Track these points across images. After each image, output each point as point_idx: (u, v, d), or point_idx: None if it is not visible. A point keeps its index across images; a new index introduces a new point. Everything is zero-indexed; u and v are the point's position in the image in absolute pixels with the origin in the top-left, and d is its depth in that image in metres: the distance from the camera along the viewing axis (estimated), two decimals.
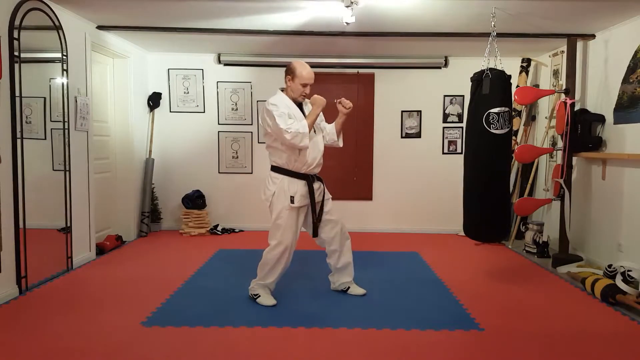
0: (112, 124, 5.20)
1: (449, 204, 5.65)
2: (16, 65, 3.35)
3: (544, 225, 4.89)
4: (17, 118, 3.36)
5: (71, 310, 3.14)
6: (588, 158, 4.48)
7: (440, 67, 5.79)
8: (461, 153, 5.69)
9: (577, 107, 4.55)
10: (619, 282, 3.45)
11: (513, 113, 5.15)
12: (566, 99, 4.34)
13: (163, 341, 2.71)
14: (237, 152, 5.94)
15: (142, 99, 5.60)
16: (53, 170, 3.94)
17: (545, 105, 5.32)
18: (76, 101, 4.17)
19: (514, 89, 4.12)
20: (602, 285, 3.45)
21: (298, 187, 3.22)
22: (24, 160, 3.43)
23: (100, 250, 4.63)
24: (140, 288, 3.63)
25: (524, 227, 5.16)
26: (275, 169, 3.29)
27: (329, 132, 3.45)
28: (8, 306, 3.21)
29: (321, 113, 3.43)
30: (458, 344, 2.73)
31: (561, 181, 4.41)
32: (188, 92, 5.86)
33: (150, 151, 5.69)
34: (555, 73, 5.11)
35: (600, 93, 4.40)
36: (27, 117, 3.57)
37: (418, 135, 5.93)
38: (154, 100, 5.71)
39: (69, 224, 4.03)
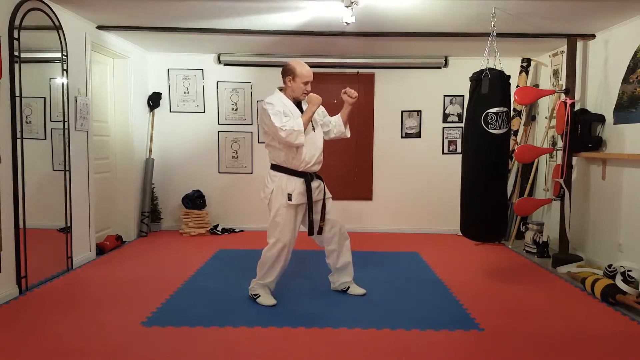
0: (112, 124, 5.20)
1: (449, 204, 5.64)
2: (16, 65, 3.35)
3: (544, 225, 4.89)
4: (17, 118, 3.36)
5: (71, 310, 3.14)
6: (588, 158, 4.48)
7: (440, 67, 5.79)
8: (461, 153, 5.69)
9: (577, 107, 4.55)
10: (619, 282, 3.45)
11: (513, 113, 5.16)
12: (566, 99, 4.34)
13: (163, 341, 2.71)
14: (237, 152, 5.94)
15: (142, 99, 5.60)
16: (53, 170, 3.94)
17: (545, 105, 5.32)
18: (76, 101, 4.17)
19: (513, 89, 4.13)
20: (602, 285, 3.45)
21: (296, 185, 3.23)
22: (24, 160, 3.43)
23: (100, 250, 4.63)
24: (140, 288, 3.63)
25: (524, 227, 5.16)
26: (274, 167, 3.31)
27: (336, 123, 3.46)
28: (8, 306, 3.21)
29: (324, 109, 3.45)
30: (458, 344, 2.73)
31: (561, 181, 4.41)
32: (188, 92, 5.86)
33: (150, 151, 5.69)
34: (555, 73, 5.11)
35: (600, 93, 4.40)
36: (27, 117, 3.57)
37: (418, 135, 5.93)
38: (154, 100, 5.71)
39: (69, 224, 4.03)
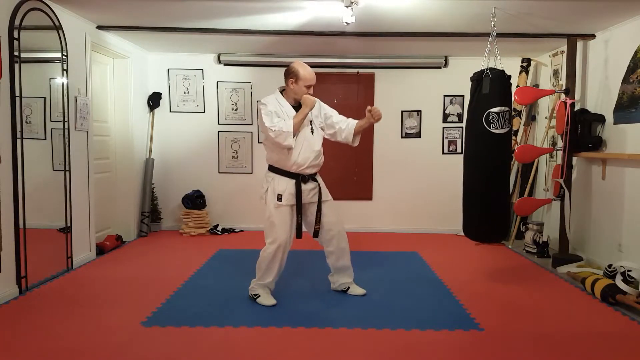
0: (112, 124, 5.20)
1: (449, 204, 5.65)
2: (16, 65, 3.35)
3: (544, 225, 4.89)
4: (17, 118, 3.36)
5: (71, 310, 3.14)
6: (588, 158, 4.48)
7: (440, 67, 5.79)
8: (461, 153, 5.69)
9: (577, 107, 4.55)
10: (619, 282, 3.45)
11: (513, 113, 5.15)
12: (566, 99, 4.34)
13: (163, 341, 2.71)
14: (237, 152, 5.94)
15: (142, 99, 5.60)
16: (53, 170, 3.94)
17: (545, 105, 5.31)
18: (76, 101, 4.17)
19: (514, 89, 4.13)
20: (602, 285, 3.44)
21: (287, 186, 3.23)
22: (24, 160, 3.43)
23: (100, 250, 4.63)
24: (140, 288, 3.63)
25: (524, 227, 5.15)
26: (270, 167, 3.33)
27: (345, 128, 3.35)
28: (8, 306, 3.21)
29: (333, 111, 3.41)
30: (458, 344, 2.72)
31: (561, 181, 4.41)
32: (188, 92, 5.86)
33: (150, 151, 5.69)
34: (555, 73, 5.11)
35: (600, 93, 4.40)
36: (27, 117, 3.57)
37: (418, 135, 5.93)
38: (154, 100, 5.71)
39: (69, 224, 4.03)
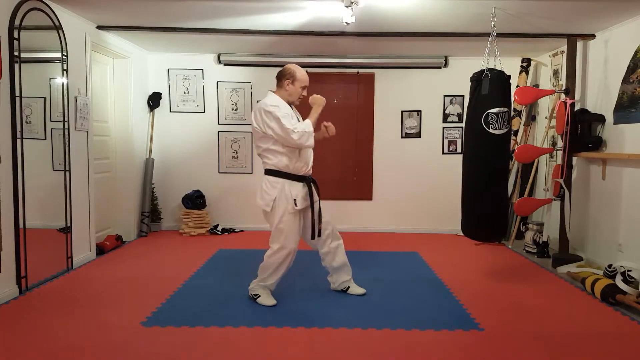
0: (112, 124, 5.20)
1: (449, 204, 5.65)
2: (16, 65, 3.35)
3: (544, 225, 4.89)
4: (17, 118, 3.36)
5: (71, 310, 3.14)
6: (588, 158, 4.48)
7: (440, 67, 5.79)
8: (461, 153, 5.69)
9: (577, 107, 4.55)
10: (619, 282, 3.45)
11: (513, 113, 5.15)
12: (566, 99, 4.35)
13: (163, 341, 2.71)
14: (237, 152, 5.94)
15: (142, 99, 5.60)
16: (53, 170, 3.94)
17: (545, 105, 5.32)
18: (76, 101, 4.17)
19: (514, 89, 4.13)
20: (602, 285, 3.45)
21: (298, 190, 3.22)
22: (24, 160, 3.43)
23: (100, 250, 4.63)
24: (140, 288, 3.63)
25: (524, 227, 5.16)
26: (272, 172, 3.21)
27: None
28: (8, 306, 3.21)
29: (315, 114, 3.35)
30: (458, 344, 2.72)
31: (561, 181, 4.41)
32: (188, 92, 5.86)
33: (150, 151, 5.69)
34: (555, 73, 5.11)
35: (600, 93, 4.40)
36: (27, 117, 3.57)
37: (418, 135, 5.93)
38: (154, 100, 5.71)
39: (69, 224, 4.03)
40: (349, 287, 3.54)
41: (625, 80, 4.00)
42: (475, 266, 4.38)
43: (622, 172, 4.04)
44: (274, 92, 3.29)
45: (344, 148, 5.80)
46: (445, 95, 5.86)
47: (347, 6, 3.57)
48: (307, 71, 3.35)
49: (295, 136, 3.04)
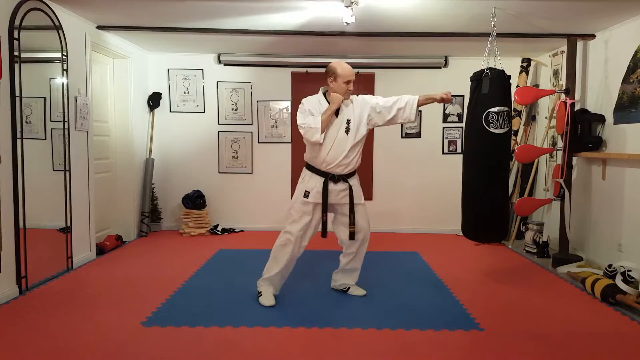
0: (112, 124, 5.20)
1: (449, 204, 5.65)
2: (16, 65, 3.35)
3: (544, 225, 4.88)
4: (17, 118, 3.36)
5: (71, 310, 3.14)
6: (588, 158, 4.48)
7: (440, 67, 5.79)
8: (461, 153, 5.69)
9: (577, 107, 4.55)
10: (619, 282, 3.45)
11: (513, 113, 5.15)
12: (566, 99, 4.34)
13: (163, 341, 2.71)
14: (237, 152, 5.94)
15: (142, 99, 5.60)
16: (53, 170, 3.94)
17: (545, 105, 5.31)
18: (76, 101, 4.17)
19: (513, 89, 4.13)
20: (602, 285, 3.45)
21: (316, 184, 3.25)
22: (24, 160, 3.43)
23: (100, 250, 4.63)
24: (140, 288, 3.63)
25: (524, 227, 5.16)
26: (306, 164, 3.38)
27: (406, 107, 3.29)
28: (8, 306, 3.21)
29: (379, 98, 3.35)
30: (458, 344, 2.72)
31: (561, 181, 4.41)
32: (188, 92, 5.86)
33: (150, 151, 5.69)
34: (555, 73, 5.11)
35: (600, 93, 4.40)
36: (27, 117, 3.57)
37: (418, 135, 5.93)
38: (154, 100, 5.71)
39: (69, 224, 4.03)
40: (349, 287, 3.54)
41: (625, 80, 4.00)
42: (475, 266, 4.38)
43: (622, 172, 4.04)
44: (324, 91, 3.33)
45: None
46: None
47: (347, 6, 3.57)
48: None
49: (302, 131, 3.20)
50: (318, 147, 3.22)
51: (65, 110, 4.00)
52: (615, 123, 4.13)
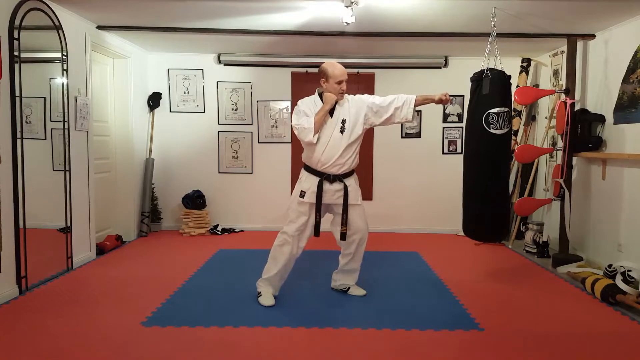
0: (112, 124, 5.20)
1: (449, 204, 5.65)
2: (16, 65, 3.35)
3: (544, 225, 4.88)
4: (17, 118, 3.36)
5: (71, 311, 3.14)
6: (588, 158, 4.48)
7: (440, 67, 5.79)
8: (461, 153, 5.69)
9: (577, 107, 4.55)
10: (619, 282, 3.45)
11: (513, 113, 5.15)
12: (566, 99, 4.35)
13: (163, 341, 2.71)
14: (237, 152, 5.94)
15: (142, 99, 5.60)
16: (53, 170, 3.94)
17: (545, 105, 5.31)
18: (76, 101, 4.17)
19: (514, 89, 4.12)
20: (602, 285, 3.45)
21: (311, 184, 3.26)
22: (24, 160, 3.43)
23: (100, 250, 4.63)
24: (140, 288, 3.63)
25: (524, 227, 5.15)
26: (303, 164, 3.39)
27: (403, 106, 3.29)
28: (8, 306, 3.21)
29: (377, 97, 3.36)
30: (458, 344, 2.73)
31: (561, 181, 4.41)
32: (188, 92, 5.86)
33: (150, 151, 5.69)
34: (555, 73, 5.11)
35: (600, 93, 4.40)
36: (27, 117, 3.57)
37: (418, 135, 5.93)
38: (154, 100, 5.71)
39: (69, 224, 4.03)
40: (349, 287, 3.54)
41: (625, 80, 4.00)
42: (476, 266, 4.38)
43: (622, 172, 4.04)
44: (320, 92, 3.33)
45: None
46: None
47: (347, 6, 3.57)
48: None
49: (296, 131, 3.23)
50: (313, 147, 3.22)
51: (65, 110, 4.00)
52: (615, 123, 4.13)
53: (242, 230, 5.90)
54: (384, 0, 3.67)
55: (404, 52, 5.50)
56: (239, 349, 2.63)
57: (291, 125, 3.30)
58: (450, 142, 5.92)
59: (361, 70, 5.82)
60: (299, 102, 3.32)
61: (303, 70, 5.73)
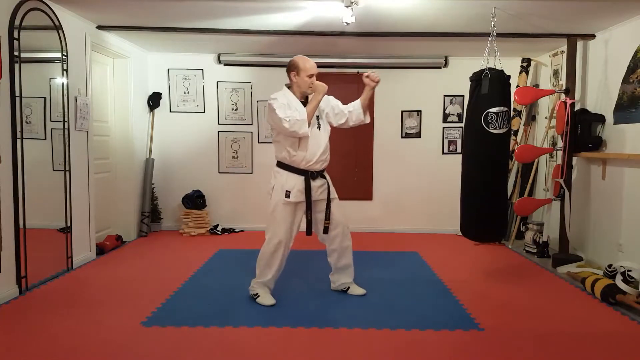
0: (112, 124, 5.20)
1: (449, 204, 5.64)
2: (16, 65, 3.35)
3: (544, 225, 4.89)
4: (17, 118, 3.36)
5: (71, 311, 3.14)
6: (588, 158, 4.48)
7: (440, 67, 5.79)
8: (461, 153, 5.69)
9: (577, 107, 4.55)
10: (619, 282, 3.45)
11: (513, 113, 5.15)
12: (566, 99, 4.35)
13: (163, 341, 2.71)
14: (237, 152, 5.94)
15: (142, 99, 5.60)
16: (53, 170, 3.94)
17: (545, 105, 5.31)
18: (76, 101, 4.17)
19: (513, 89, 4.13)
20: (602, 285, 3.45)
21: (296, 183, 3.23)
22: (24, 160, 3.43)
23: (100, 250, 4.63)
24: (140, 288, 3.63)
25: (524, 227, 5.16)
26: (278, 163, 3.32)
27: (354, 110, 3.42)
28: (8, 306, 3.21)
29: (337, 101, 3.42)
30: (458, 344, 2.73)
31: (561, 181, 4.41)
32: (188, 92, 5.86)
33: (150, 151, 5.69)
34: (555, 73, 5.11)
35: (600, 93, 4.40)
36: (27, 117, 3.57)
37: (418, 135, 5.93)
38: (154, 100, 5.71)
39: (69, 224, 4.03)
40: (349, 287, 3.54)
41: (625, 80, 4.00)
42: (475, 266, 4.38)
43: (622, 172, 4.04)
44: (287, 85, 3.32)
45: (344, 148, 5.79)
46: (445, 95, 5.86)
47: (347, 6, 3.57)
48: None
49: (287, 125, 3.10)
50: (297, 145, 3.19)
51: (65, 110, 4.00)
52: (615, 123, 4.13)
53: (242, 230, 5.90)
54: (384, 0, 3.67)
55: (404, 52, 5.50)
56: (238, 349, 2.63)
57: (276, 120, 3.13)
58: (450, 142, 5.92)
59: (361, 70, 5.77)
60: (274, 95, 3.23)
61: None
